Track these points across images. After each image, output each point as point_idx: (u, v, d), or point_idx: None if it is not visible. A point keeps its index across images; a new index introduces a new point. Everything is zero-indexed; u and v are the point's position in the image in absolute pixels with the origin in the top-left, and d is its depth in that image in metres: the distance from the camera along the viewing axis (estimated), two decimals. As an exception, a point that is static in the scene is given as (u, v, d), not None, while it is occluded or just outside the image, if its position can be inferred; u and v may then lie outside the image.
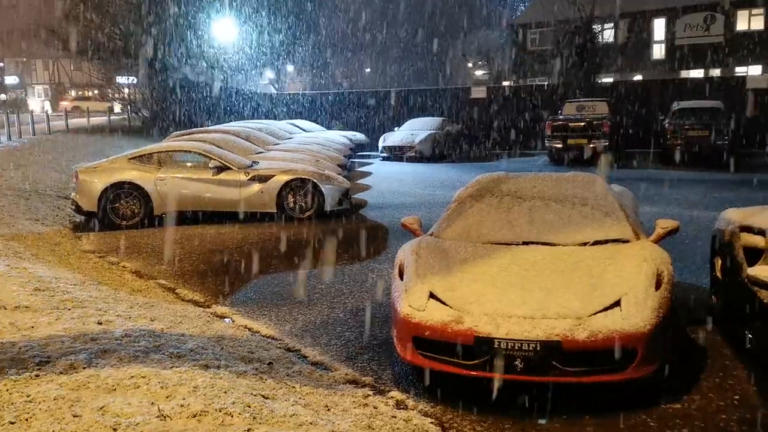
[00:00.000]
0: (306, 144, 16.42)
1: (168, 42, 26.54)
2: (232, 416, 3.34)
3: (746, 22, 31.90)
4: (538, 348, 3.97)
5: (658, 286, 4.32)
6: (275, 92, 36.60)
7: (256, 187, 10.88)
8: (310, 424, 3.46)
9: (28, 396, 3.39)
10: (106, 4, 27.69)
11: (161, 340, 4.63)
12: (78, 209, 10.85)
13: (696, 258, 7.46)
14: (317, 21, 41.02)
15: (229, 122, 21.95)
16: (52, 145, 18.95)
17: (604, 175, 6.40)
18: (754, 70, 30.59)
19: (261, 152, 13.80)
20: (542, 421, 3.99)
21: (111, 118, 28.10)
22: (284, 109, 29.03)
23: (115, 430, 3.10)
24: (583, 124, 18.69)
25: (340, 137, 20.12)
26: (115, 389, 3.58)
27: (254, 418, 3.37)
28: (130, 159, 11.04)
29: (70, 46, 28.79)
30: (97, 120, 27.53)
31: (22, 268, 6.65)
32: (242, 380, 3.98)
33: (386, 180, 16.16)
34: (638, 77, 32.30)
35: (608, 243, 5.04)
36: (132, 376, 3.75)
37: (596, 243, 5.05)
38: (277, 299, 6.66)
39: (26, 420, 3.15)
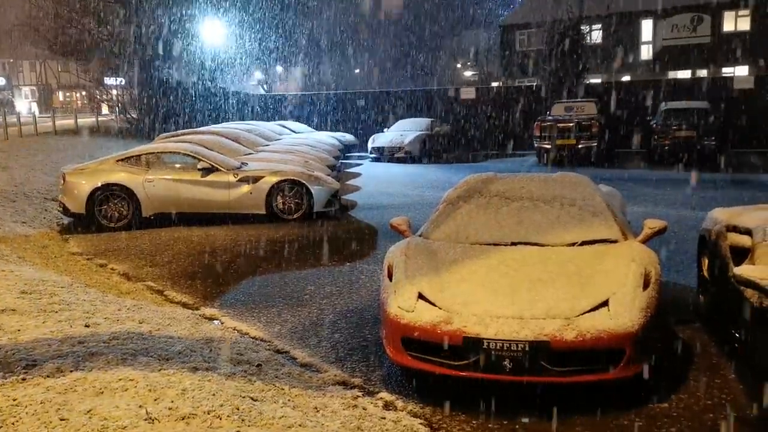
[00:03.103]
0: (295, 145, 16.38)
1: (156, 43, 26.42)
2: (220, 419, 3.33)
3: (733, 23, 32.15)
4: (527, 348, 3.98)
5: (645, 286, 4.34)
6: (264, 93, 36.51)
7: (245, 188, 10.85)
8: (299, 425, 3.45)
9: (14, 400, 3.36)
10: (93, 4, 27.52)
11: (149, 343, 4.61)
12: (65, 211, 10.78)
13: (683, 257, 7.50)
14: (306, 22, 40.95)
15: (217, 123, 21.88)
16: (39, 147, 18.83)
17: None
18: (741, 70, 30.83)
19: (250, 153, 13.76)
20: (527, 420, 4.00)
21: (99, 119, 27.96)
22: (273, 110, 28.97)
23: (102, 433, 3.08)
24: (571, 124, 18.77)
25: (329, 138, 20.11)
26: (102, 392, 3.55)
27: (243, 420, 3.36)
28: (118, 161, 10.98)
29: (57, 47, 28.63)
30: (84, 121, 27.38)
31: (9, 271, 6.59)
32: (231, 382, 3.97)
33: (375, 181, 16.15)
34: (626, 78, 32.48)
35: (596, 243, 5.07)
36: (120, 379, 3.73)
37: (584, 243, 5.07)
38: (266, 301, 6.64)
39: (12, 424, 3.12)
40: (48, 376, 3.72)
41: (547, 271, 4.57)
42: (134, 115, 28.58)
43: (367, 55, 62.15)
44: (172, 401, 3.47)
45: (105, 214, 10.60)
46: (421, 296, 4.43)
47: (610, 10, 31.68)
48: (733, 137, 19.99)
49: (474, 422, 4.01)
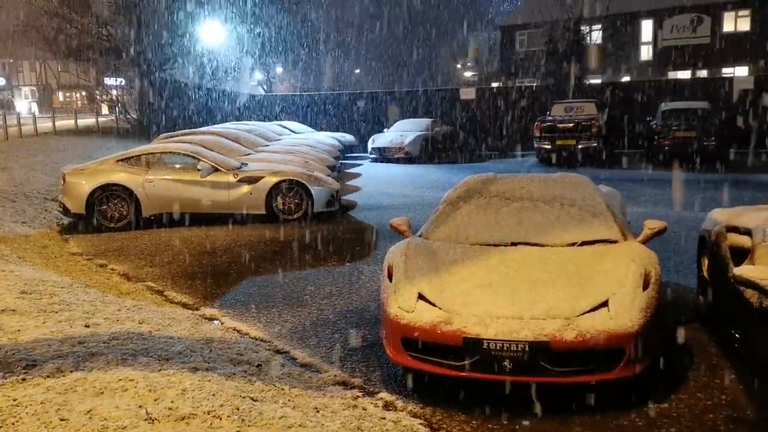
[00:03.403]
0: (295, 146, 16.38)
1: (156, 43, 26.42)
2: (220, 419, 3.33)
3: (732, 23, 32.16)
4: (527, 348, 3.98)
5: (645, 286, 4.34)
6: (264, 93, 36.51)
7: (245, 188, 10.85)
8: (299, 426, 3.45)
9: (14, 400, 3.36)
10: (93, 5, 27.53)
11: (149, 343, 4.61)
12: (65, 211, 10.78)
13: (683, 258, 7.50)
14: (306, 23, 40.94)
15: (217, 124, 21.87)
16: (39, 147, 18.82)
17: None
18: (741, 70, 30.84)
19: (250, 154, 13.77)
20: (527, 420, 4.00)
21: (99, 119, 27.96)
22: (273, 111, 28.96)
23: (102, 433, 3.08)
24: (571, 124, 18.77)
25: (329, 139, 20.10)
26: (102, 392, 3.55)
27: (243, 420, 3.36)
28: (118, 161, 10.99)
29: (57, 48, 28.64)
30: (84, 122, 27.38)
31: (9, 271, 6.59)
32: (231, 383, 3.97)
33: (375, 181, 16.15)
34: (626, 78, 32.47)
35: (596, 243, 5.06)
36: (120, 379, 3.73)
37: (584, 243, 5.07)
38: (267, 301, 6.64)
39: (13, 424, 3.13)
40: (48, 376, 3.72)
41: (547, 272, 4.57)
42: (134, 116, 28.57)
43: (367, 56, 62.15)
44: (172, 401, 3.47)
45: (105, 215, 10.60)
46: (421, 296, 4.43)
47: (610, 10, 31.67)
48: (733, 137, 19.95)
49: (474, 422, 4.01)
